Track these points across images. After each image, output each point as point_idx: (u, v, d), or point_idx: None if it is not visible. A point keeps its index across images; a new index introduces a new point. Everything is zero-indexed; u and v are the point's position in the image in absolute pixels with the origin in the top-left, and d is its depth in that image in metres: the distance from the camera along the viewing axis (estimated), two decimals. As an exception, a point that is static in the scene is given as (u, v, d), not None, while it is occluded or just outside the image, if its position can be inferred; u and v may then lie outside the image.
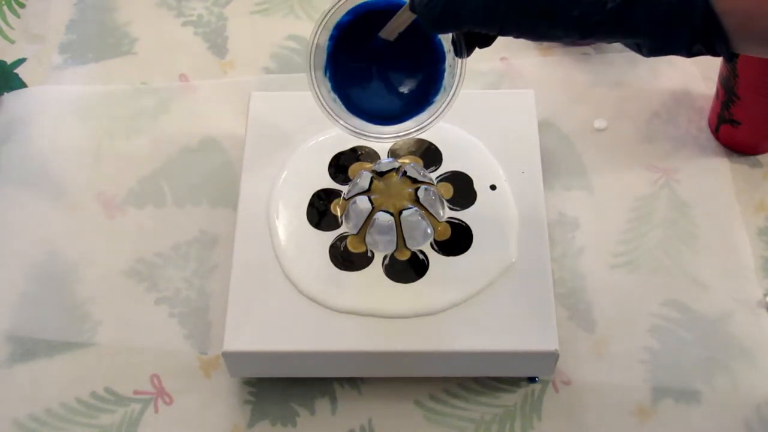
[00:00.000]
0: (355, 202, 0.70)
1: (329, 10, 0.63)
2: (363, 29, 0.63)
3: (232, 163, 0.82)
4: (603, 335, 0.72)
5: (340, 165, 0.74)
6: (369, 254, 0.69)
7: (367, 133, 0.68)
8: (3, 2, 0.94)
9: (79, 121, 0.85)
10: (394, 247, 0.69)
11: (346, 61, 0.66)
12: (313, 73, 0.65)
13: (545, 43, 0.88)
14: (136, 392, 0.71)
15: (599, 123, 0.84)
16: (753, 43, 0.50)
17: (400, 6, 0.59)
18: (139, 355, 0.73)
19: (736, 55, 0.51)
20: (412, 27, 0.59)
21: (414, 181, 0.71)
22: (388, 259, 0.69)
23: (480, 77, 0.86)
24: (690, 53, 0.51)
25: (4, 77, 0.89)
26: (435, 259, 0.69)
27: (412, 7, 0.56)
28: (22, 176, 0.82)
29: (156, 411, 0.70)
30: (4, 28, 0.93)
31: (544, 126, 0.82)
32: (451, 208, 0.71)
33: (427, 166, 0.74)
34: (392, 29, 0.60)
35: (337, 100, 0.67)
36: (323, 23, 0.63)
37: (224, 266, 0.75)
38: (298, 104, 0.75)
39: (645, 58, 0.63)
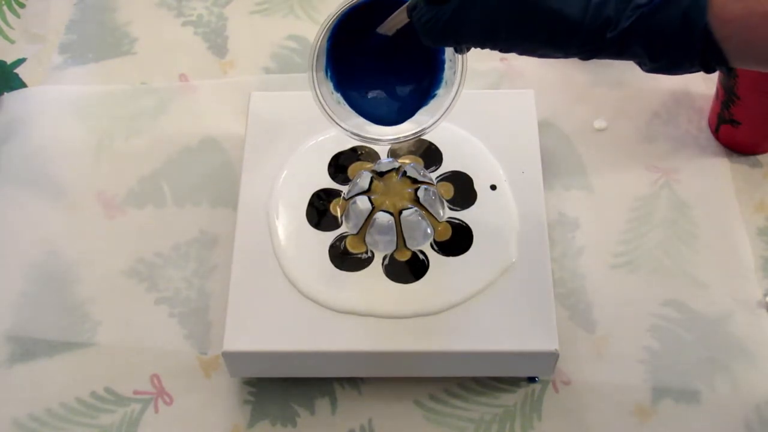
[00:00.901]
0: (355, 202, 0.70)
1: (334, 14, 0.62)
2: (360, 26, 0.63)
3: (232, 163, 0.82)
4: (603, 335, 0.72)
5: (340, 165, 0.74)
6: (369, 254, 0.69)
7: (366, 136, 0.67)
8: (3, 2, 0.94)
9: (79, 121, 0.85)
10: (394, 247, 0.69)
11: (345, 58, 0.65)
12: (314, 74, 0.64)
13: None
14: (136, 392, 0.71)
15: (599, 123, 0.84)
16: (751, 63, 0.51)
17: (397, 0, 0.59)
18: (139, 355, 0.73)
19: (733, 69, 0.51)
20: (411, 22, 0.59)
21: (414, 181, 0.71)
22: (387, 260, 0.69)
23: (480, 77, 0.86)
24: (689, 72, 0.52)
25: (4, 77, 0.89)
26: (435, 259, 0.69)
27: (411, 18, 0.56)
28: (22, 176, 0.82)
29: (156, 411, 0.70)
30: (4, 28, 0.93)
31: (544, 126, 0.82)
32: (451, 208, 0.71)
33: (427, 166, 0.74)
34: (391, 26, 0.60)
35: (341, 99, 0.67)
36: (328, 26, 0.63)
37: (224, 266, 0.75)
38: (298, 104, 0.75)
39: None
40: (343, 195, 0.72)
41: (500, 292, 0.67)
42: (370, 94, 0.67)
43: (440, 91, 0.67)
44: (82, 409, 0.71)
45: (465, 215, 0.71)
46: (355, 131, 0.67)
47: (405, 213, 0.69)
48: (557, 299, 0.72)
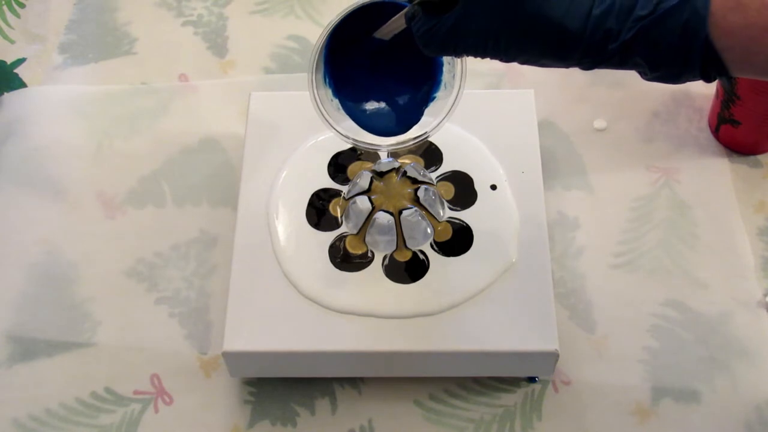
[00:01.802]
0: (355, 202, 0.70)
1: (333, 21, 0.62)
2: (357, 32, 0.62)
3: (232, 163, 0.82)
4: (603, 335, 0.72)
5: (340, 165, 0.74)
6: (369, 254, 0.69)
7: (366, 141, 0.67)
8: (3, 2, 0.94)
9: (78, 121, 0.85)
10: (394, 247, 0.69)
11: (343, 64, 0.65)
12: (312, 76, 0.64)
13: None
14: (136, 392, 0.71)
15: (599, 123, 0.84)
16: (751, 72, 0.51)
17: (393, 5, 0.59)
18: (139, 355, 0.73)
19: (733, 77, 0.51)
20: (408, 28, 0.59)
21: (414, 181, 0.71)
22: (387, 260, 0.69)
23: (480, 77, 0.86)
24: (689, 80, 0.52)
25: (4, 77, 0.89)
26: (435, 259, 0.69)
27: (408, 26, 0.56)
28: (22, 176, 0.82)
29: (156, 411, 0.70)
30: (4, 28, 0.93)
31: (544, 126, 0.82)
32: (451, 208, 0.71)
33: (427, 166, 0.74)
34: (388, 31, 0.60)
35: (340, 106, 0.67)
36: (326, 32, 0.63)
37: (224, 266, 0.75)
38: (298, 104, 0.75)
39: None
40: (343, 195, 0.72)
41: (500, 293, 0.67)
42: (370, 106, 0.67)
43: (439, 94, 0.66)
44: (82, 409, 0.71)
45: (465, 215, 0.71)
46: (355, 137, 0.67)
47: (405, 213, 0.69)
48: (557, 299, 0.72)
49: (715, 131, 0.82)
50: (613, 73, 0.86)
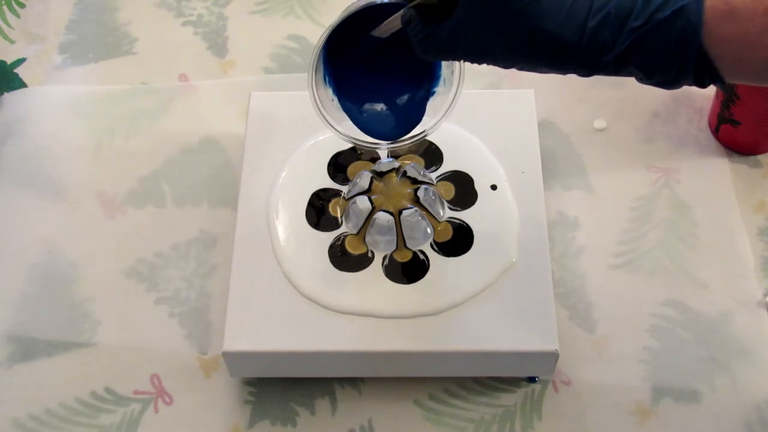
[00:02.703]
0: (355, 202, 0.70)
1: (334, 22, 0.62)
2: (356, 32, 0.62)
3: (232, 163, 0.82)
4: (603, 335, 0.72)
5: (339, 164, 0.74)
6: (369, 255, 0.69)
7: (366, 140, 0.67)
8: (3, 2, 0.94)
9: (79, 121, 0.85)
10: (394, 247, 0.69)
11: (343, 63, 0.65)
12: (312, 77, 0.64)
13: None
14: (136, 392, 0.71)
15: (599, 123, 0.84)
16: (745, 79, 0.51)
17: (392, 4, 0.59)
18: (139, 355, 0.73)
19: (727, 83, 0.52)
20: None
21: (414, 181, 0.71)
22: (387, 260, 0.69)
23: (480, 77, 0.86)
24: (684, 85, 0.52)
25: (4, 77, 0.89)
26: (435, 259, 0.69)
27: (405, 29, 0.56)
28: (22, 176, 0.82)
29: (156, 411, 0.70)
30: (4, 28, 0.93)
31: (544, 126, 0.82)
32: (451, 208, 0.71)
33: (428, 166, 0.74)
34: (385, 29, 0.60)
35: (341, 108, 0.66)
36: (326, 33, 0.62)
37: (224, 266, 0.75)
38: (298, 104, 0.75)
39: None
40: (343, 195, 0.72)
41: (500, 293, 0.67)
42: (370, 107, 0.67)
43: (439, 89, 0.66)
44: (82, 409, 0.71)
45: (465, 215, 0.71)
46: (355, 137, 0.67)
47: (405, 213, 0.69)
48: (557, 299, 0.72)
49: (715, 131, 0.82)
50: (613, 73, 0.86)
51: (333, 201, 0.72)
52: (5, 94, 0.87)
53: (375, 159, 0.74)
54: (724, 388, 0.70)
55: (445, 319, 0.66)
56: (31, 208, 0.80)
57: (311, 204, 0.72)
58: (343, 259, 0.69)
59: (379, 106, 0.66)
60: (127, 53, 0.90)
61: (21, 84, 0.89)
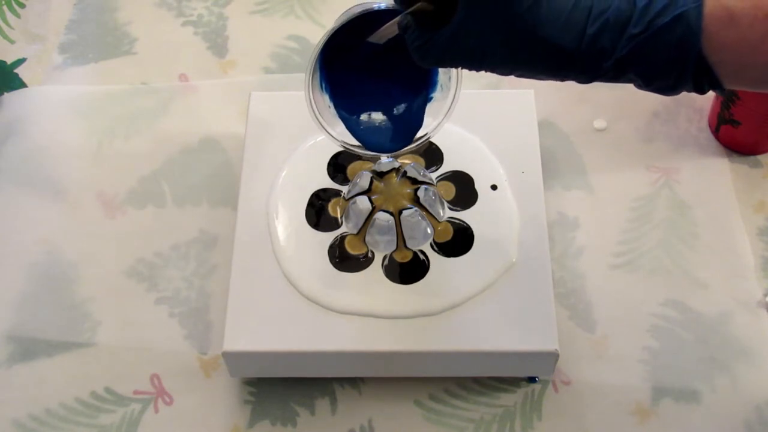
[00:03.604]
0: (355, 202, 0.70)
1: (331, 29, 0.62)
2: (353, 39, 0.62)
3: (232, 163, 0.82)
4: (603, 335, 0.72)
5: (339, 164, 0.74)
6: (369, 255, 0.69)
7: (362, 149, 0.67)
8: (3, 2, 0.94)
9: (79, 121, 0.85)
10: (394, 247, 0.69)
11: (340, 70, 0.65)
12: (309, 78, 0.64)
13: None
14: (136, 392, 0.71)
15: (599, 123, 0.84)
16: (744, 85, 0.52)
17: (389, 11, 0.58)
18: (139, 355, 0.73)
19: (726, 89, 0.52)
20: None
21: (414, 181, 0.71)
22: (387, 260, 0.69)
23: (480, 77, 0.86)
24: (682, 92, 0.52)
25: (4, 77, 0.89)
26: (435, 259, 0.69)
27: (402, 34, 0.56)
28: (22, 176, 0.82)
29: (156, 411, 0.70)
30: (4, 28, 0.93)
31: (544, 126, 0.82)
32: (451, 209, 0.71)
33: (428, 166, 0.74)
34: (382, 35, 0.60)
35: (336, 116, 0.66)
36: (323, 40, 0.62)
37: (224, 266, 0.75)
38: (297, 104, 0.75)
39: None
40: (343, 195, 0.72)
41: (500, 293, 0.67)
42: (366, 117, 0.67)
43: (436, 95, 0.67)
44: (82, 409, 0.71)
45: (465, 215, 0.71)
46: (353, 143, 0.67)
47: (405, 213, 0.69)
48: (557, 299, 0.72)
49: (715, 131, 0.82)
50: (613, 73, 0.86)
51: (333, 201, 0.72)
52: (5, 94, 0.87)
53: (375, 159, 0.74)
54: (724, 388, 0.70)
55: (445, 319, 0.66)
56: (31, 208, 0.80)
57: (311, 204, 0.72)
58: (343, 259, 0.69)
59: (377, 118, 0.66)
60: (127, 53, 0.90)
61: (21, 84, 0.89)
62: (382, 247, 0.69)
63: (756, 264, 0.75)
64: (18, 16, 0.94)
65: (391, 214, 0.69)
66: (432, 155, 0.74)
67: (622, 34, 0.50)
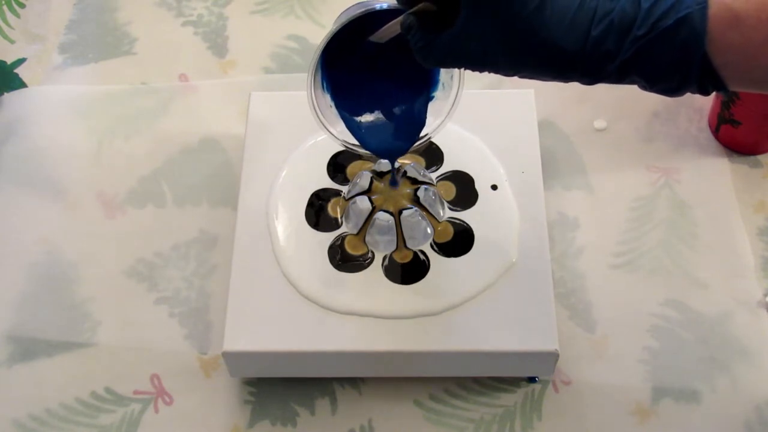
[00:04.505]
0: (355, 202, 0.70)
1: (333, 29, 0.62)
2: (354, 38, 0.62)
3: (232, 163, 0.82)
4: (603, 335, 0.72)
5: (339, 164, 0.74)
6: (369, 255, 0.69)
7: (363, 148, 0.67)
8: (3, 2, 0.94)
9: (79, 121, 0.85)
10: (394, 247, 0.69)
11: (341, 70, 0.65)
12: (311, 84, 0.64)
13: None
14: (136, 392, 0.71)
15: (599, 123, 0.84)
16: (749, 87, 0.51)
17: (390, 10, 0.58)
18: (139, 355, 0.73)
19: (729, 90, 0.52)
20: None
21: (414, 181, 0.71)
22: (387, 260, 0.69)
23: (480, 77, 0.85)
24: (686, 93, 0.52)
25: (4, 77, 0.89)
26: (435, 259, 0.69)
27: (404, 34, 0.56)
28: (22, 176, 0.82)
29: (156, 411, 0.70)
30: (4, 28, 0.93)
31: (544, 126, 0.82)
32: (451, 209, 0.71)
33: (428, 166, 0.74)
34: (383, 35, 0.60)
35: (338, 116, 0.66)
36: (326, 39, 0.62)
37: (224, 266, 0.75)
38: (297, 104, 0.75)
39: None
40: (343, 195, 0.72)
41: (500, 293, 0.67)
42: (368, 119, 0.66)
43: (438, 94, 0.66)
44: (82, 409, 0.71)
45: (465, 215, 0.71)
46: (356, 143, 0.67)
47: (405, 213, 0.69)
48: (557, 299, 0.72)
49: (715, 131, 0.82)
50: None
51: (332, 201, 0.72)
52: (5, 94, 0.87)
53: (375, 158, 0.74)
54: (724, 388, 0.70)
55: (445, 319, 0.66)
56: (31, 208, 0.80)
57: (311, 204, 0.72)
58: (343, 259, 0.69)
59: (378, 119, 0.66)
60: (127, 53, 0.90)
61: (21, 84, 0.89)
62: (382, 247, 0.69)
63: (756, 264, 0.75)
64: (18, 16, 0.94)
65: (391, 214, 0.69)
66: (432, 155, 0.74)
67: (627, 36, 0.50)
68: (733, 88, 0.50)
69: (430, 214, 0.70)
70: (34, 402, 0.71)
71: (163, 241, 0.78)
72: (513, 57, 0.52)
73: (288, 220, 0.71)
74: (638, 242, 0.77)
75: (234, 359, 0.67)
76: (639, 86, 0.53)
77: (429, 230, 0.70)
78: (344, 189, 0.72)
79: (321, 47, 0.61)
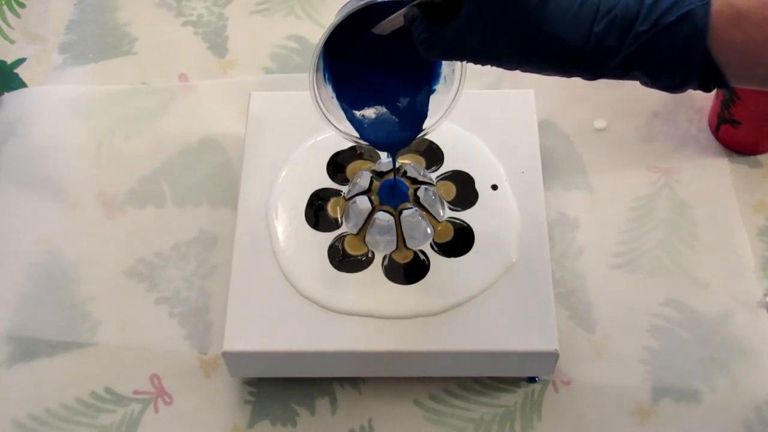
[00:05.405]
0: (355, 202, 0.70)
1: (335, 22, 0.62)
2: (356, 30, 0.62)
3: (232, 163, 0.82)
4: (603, 335, 0.72)
5: (339, 164, 0.74)
6: (369, 255, 0.69)
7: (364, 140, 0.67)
8: (3, 2, 0.94)
9: (79, 121, 0.85)
10: (394, 247, 0.69)
11: (343, 62, 0.65)
12: (313, 75, 0.64)
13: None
14: (136, 392, 0.71)
15: (599, 123, 0.84)
16: (751, 84, 0.52)
17: (393, 2, 0.58)
18: (139, 355, 0.73)
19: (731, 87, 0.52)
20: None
21: (414, 181, 0.71)
22: (387, 260, 0.69)
23: (480, 77, 0.86)
24: (688, 89, 0.52)
25: (4, 77, 0.89)
26: (435, 259, 0.69)
27: (408, 26, 0.56)
28: (22, 176, 0.82)
29: (156, 411, 0.70)
30: (4, 28, 0.93)
31: (544, 126, 0.82)
32: (451, 208, 0.71)
33: (428, 166, 0.74)
34: (386, 26, 0.60)
35: (339, 108, 0.66)
36: (328, 31, 0.62)
37: (224, 266, 0.75)
38: (297, 104, 0.75)
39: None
40: (343, 195, 0.72)
41: (500, 293, 0.67)
42: (370, 112, 0.66)
43: (439, 87, 0.66)
44: (82, 409, 0.71)
45: (466, 215, 0.71)
46: (357, 135, 0.67)
47: (405, 213, 0.69)
48: (557, 299, 0.72)
49: (715, 131, 0.82)
50: (613, 73, 0.86)
51: (332, 201, 0.72)
52: (5, 94, 0.87)
53: (376, 159, 0.74)
54: (724, 388, 0.70)
55: (445, 319, 0.66)
56: (31, 208, 0.80)
57: (311, 204, 0.72)
58: (343, 259, 0.69)
59: (380, 111, 0.66)
60: (127, 53, 0.90)
61: (21, 84, 0.89)
62: (382, 247, 0.69)
63: (756, 264, 0.75)
64: (18, 16, 0.94)
65: (391, 214, 0.69)
66: (432, 155, 0.74)
67: (629, 32, 0.50)
68: (734, 84, 0.50)
69: (430, 214, 0.70)
70: (34, 402, 0.71)
71: (163, 241, 0.78)
72: (516, 51, 0.52)
73: (288, 220, 0.71)
74: (638, 242, 0.77)
75: (234, 359, 0.67)
76: (641, 82, 0.53)
77: (429, 230, 0.70)
78: (344, 189, 0.72)
79: (324, 38, 0.61)
